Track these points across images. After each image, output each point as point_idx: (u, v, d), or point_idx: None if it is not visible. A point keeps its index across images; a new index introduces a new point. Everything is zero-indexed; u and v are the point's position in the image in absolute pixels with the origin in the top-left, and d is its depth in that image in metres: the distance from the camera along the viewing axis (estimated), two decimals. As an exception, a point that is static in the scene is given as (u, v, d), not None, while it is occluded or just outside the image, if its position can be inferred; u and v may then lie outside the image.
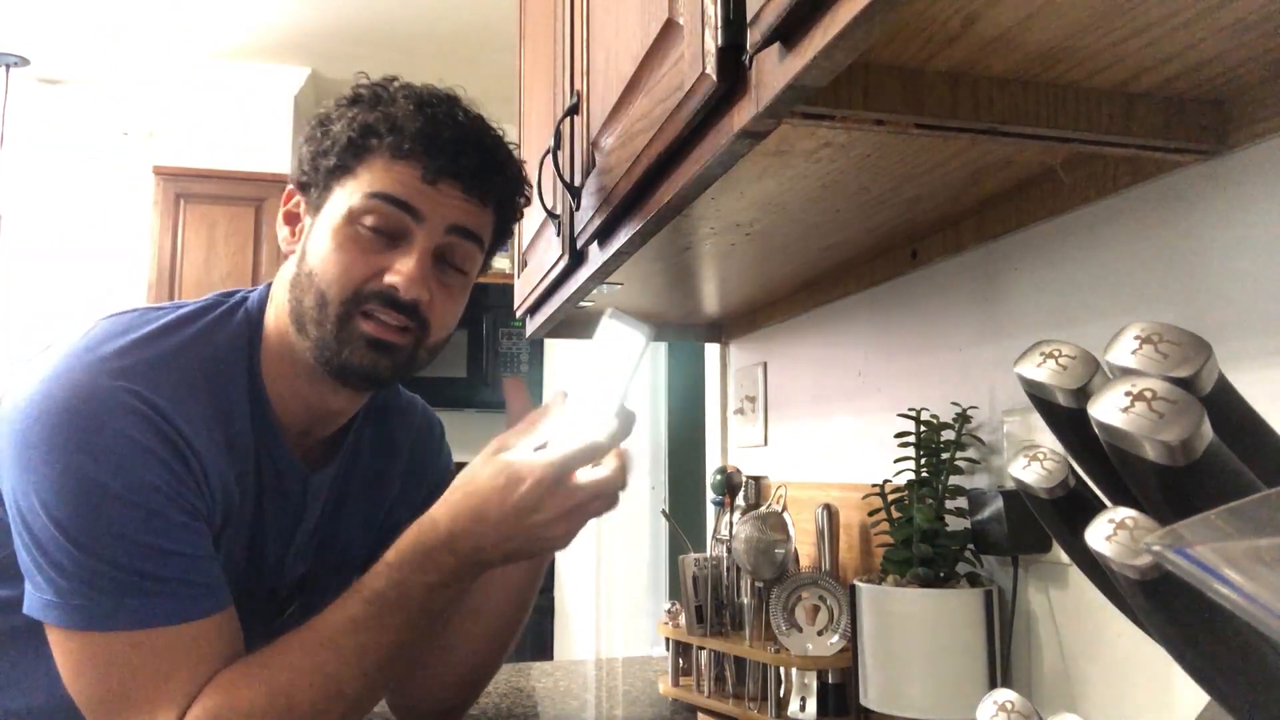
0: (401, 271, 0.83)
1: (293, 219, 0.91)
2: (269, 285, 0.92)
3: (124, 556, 0.74)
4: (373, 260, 0.83)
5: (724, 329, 1.75)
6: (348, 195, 0.84)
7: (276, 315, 0.88)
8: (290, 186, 0.91)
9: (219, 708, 0.74)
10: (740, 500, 1.37)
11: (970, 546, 0.96)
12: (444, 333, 0.89)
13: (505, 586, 1.01)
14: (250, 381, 0.87)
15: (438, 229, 0.85)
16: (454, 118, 0.86)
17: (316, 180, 0.87)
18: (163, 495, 0.76)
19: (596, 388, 0.78)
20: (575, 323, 1.58)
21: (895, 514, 1.00)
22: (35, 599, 0.75)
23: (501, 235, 0.94)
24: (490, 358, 3.49)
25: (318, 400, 0.90)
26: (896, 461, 1.01)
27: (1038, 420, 0.47)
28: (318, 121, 0.88)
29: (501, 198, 0.90)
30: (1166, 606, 0.39)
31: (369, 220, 0.83)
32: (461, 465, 0.88)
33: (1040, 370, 0.45)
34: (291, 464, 0.90)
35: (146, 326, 0.83)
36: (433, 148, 0.83)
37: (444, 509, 0.78)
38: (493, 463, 0.77)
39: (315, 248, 0.85)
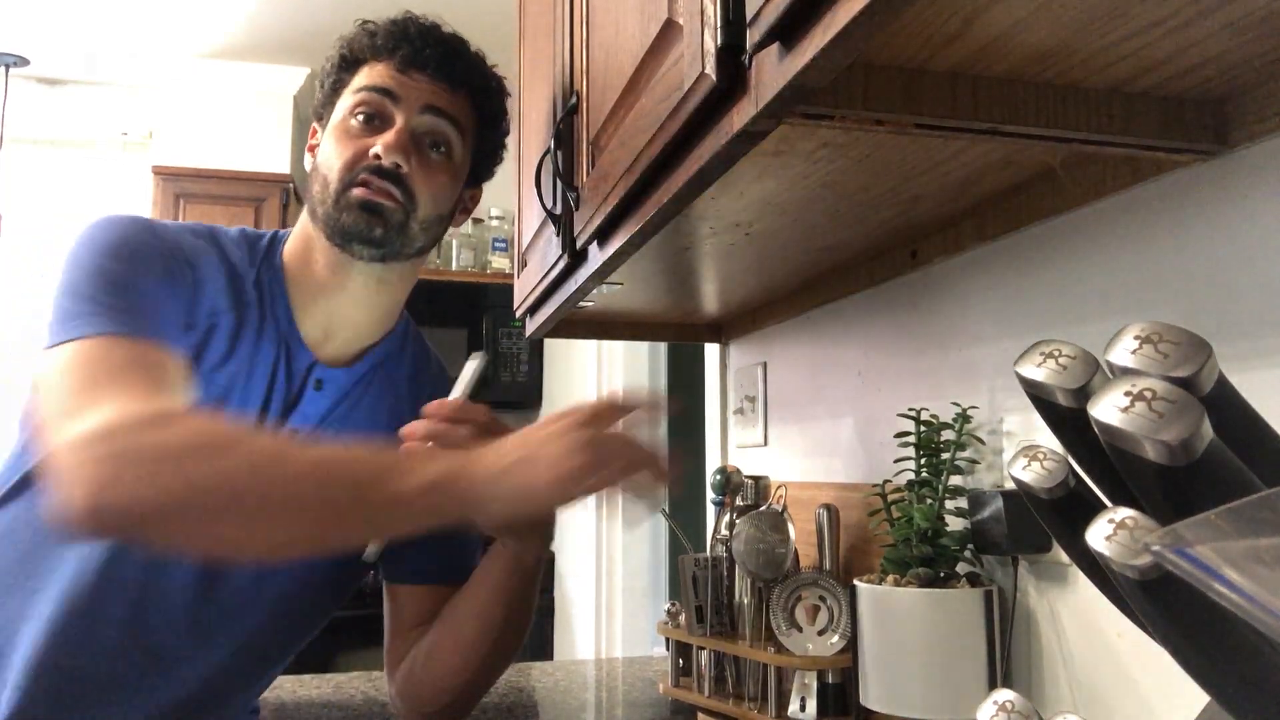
0: (383, 143, 0.96)
1: (314, 149, 1.04)
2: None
3: (104, 288, 0.86)
4: (362, 142, 0.97)
5: (724, 329, 1.75)
6: (343, 100, 1.00)
7: (300, 221, 1.03)
8: (313, 125, 1.05)
9: (146, 414, 0.75)
10: (740, 500, 1.37)
11: (970, 546, 0.96)
12: (433, 208, 1.00)
13: (494, 587, 1.01)
14: (269, 260, 1.01)
15: (413, 108, 0.98)
16: (421, 23, 1.01)
17: (324, 104, 1.03)
18: (152, 268, 0.90)
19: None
20: (575, 322, 1.58)
21: (895, 514, 1.00)
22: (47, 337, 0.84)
23: (485, 130, 1.05)
24: (490, 357, 3.49)
25: (338, 283, 1.00)
26: (896, 461, 1.01)
27: (1038, 420, 0.47)
28: (325, 59, 1.04)
29: (474, 85, 1.02)
30: (1166, 606, 0.39)
31: (358, 111, 0.98)
32: None
33: (1040, 370, 0.45)
34: (304, 351, 1.00)
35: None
36: (402, 44, 0.99)
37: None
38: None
39: (323, 149, 1.00)
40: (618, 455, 0.76)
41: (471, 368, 1.01)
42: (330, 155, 0.98)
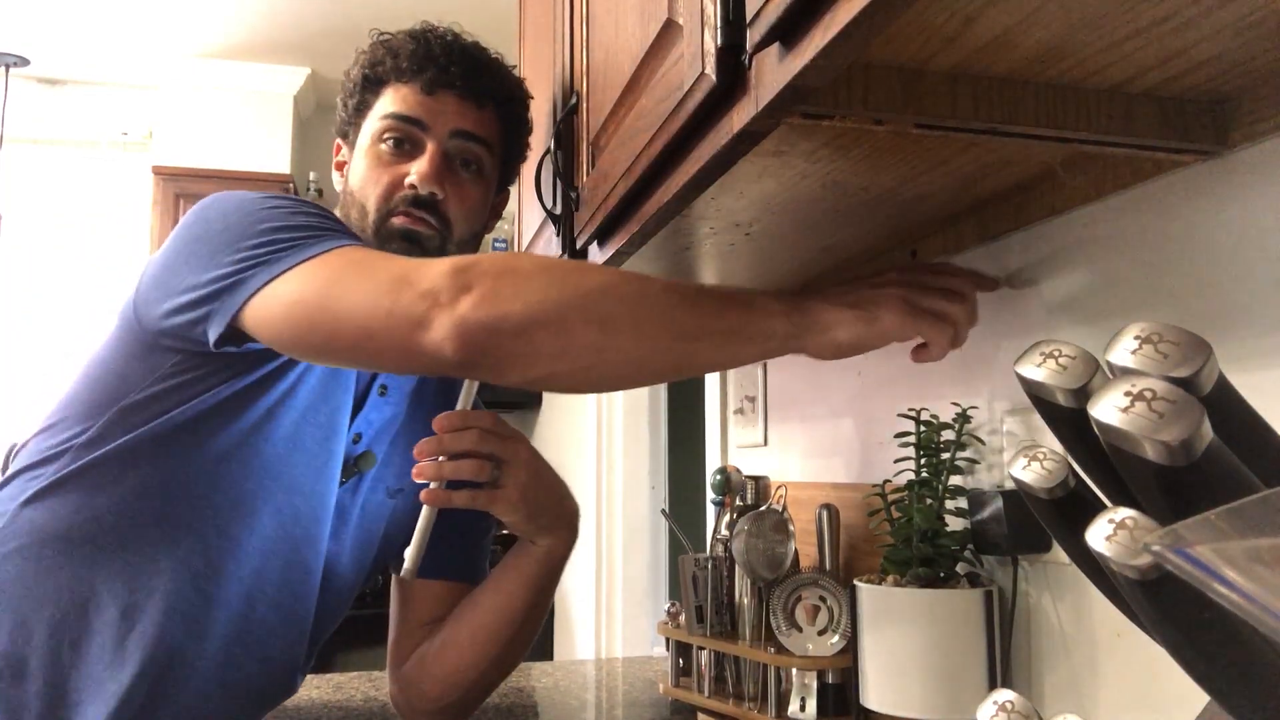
0: (417, 173, 0.96)
1: (341, 165, 1.06)
2: None
3: (304, 219, 0.86)
4: (396, 170, 0.98)
5: (724, 329, 1.75)
6: (370, 123, 1.00)
7: None
8: (338, 141, 1.07)
9: (485, 256, 0.77)
10: (740, 500, 1.37)
11: (970, 546, 0.96)
12: (467, 228, 1.01)
13: (521, 579, 1.03)
14: None
15: (443, 134, 0.98)
16: (443, 39, 1.01)
17: (349, 122, 1.04)
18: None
19: None
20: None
21: (895, 514, 1.00)
22: (250, 282, 0.81)
23: (512, 139, 1.07)
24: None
25: None
26: (896, 461, 1.01)
27: (1038, 420, 0.47)
28: (345, 75, 1.04)
29: (499, 99, 1.03)
30: (1166, 606, 0.39)
31: (387, 137, 0.98)
32: None
33: (1040, 370, 0.45)
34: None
35: None
36: (427, 65, 0.98)
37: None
38: None
39: (354, 171, 1.01)
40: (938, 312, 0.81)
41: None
42: (365, 182, 0.98)
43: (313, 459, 0.97)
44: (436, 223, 0.97)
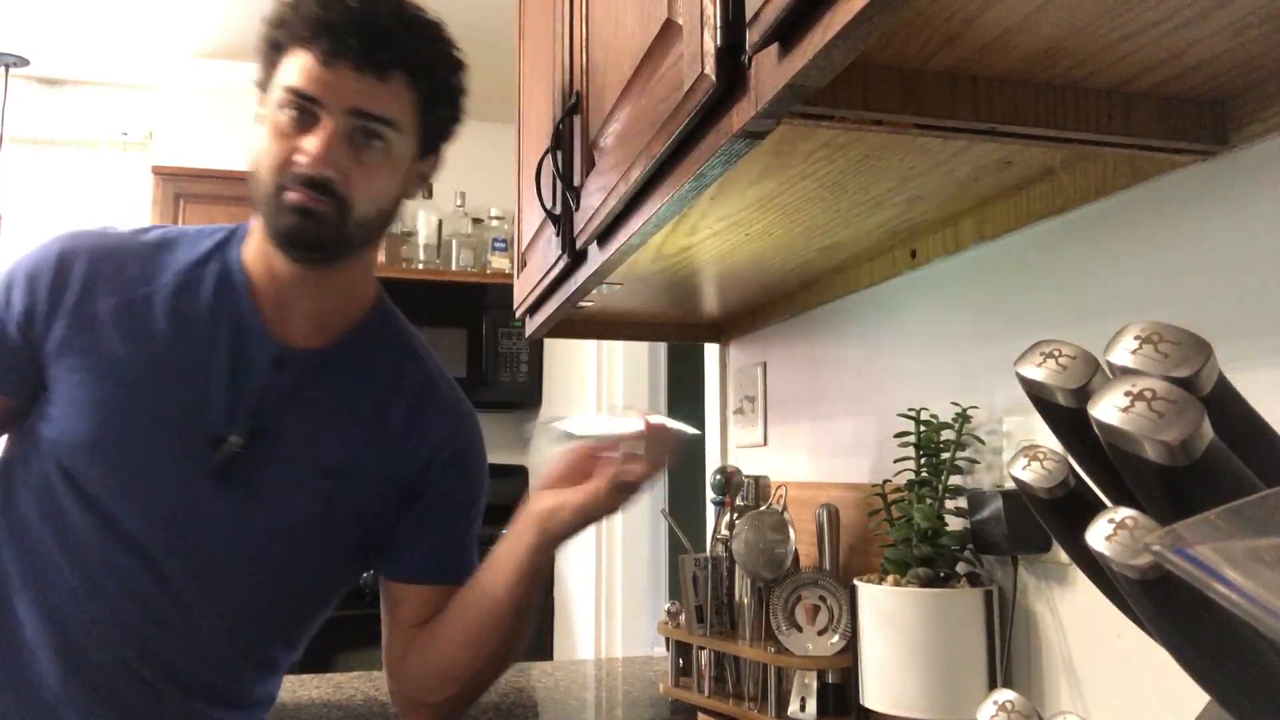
0: (308, 152, 0.91)
1: (262, 119, 1.00)
2: None
3: None
4: (290, 144, 0.93)
5: (724, 329, 1.75)
6: (273, 89, 0.94)
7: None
8: (260, 92, 1.01)
9: None
10: (740, 500, 1.37)
11: (970, 546, 0.96)
12: (371, 207, 0.96)
13: (517, 568, 1.01)
14: (222, 251, 1.02)
15: (338, 111, 0.92)
16: (346, 2, 0.92)
17: (263, 74, 0.97)
18: None
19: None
20: (574, 322, 1.58)
21: (895, 514, 1.00)
22: None
23: (430, 109, 0.98)
24: (490, 357, 3.49)
25: (280, 269, 0.99)
26: (896, 461, 1.01)
27: (1038, 420, 0.47)
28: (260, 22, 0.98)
29: (410, 69, 0.94)
30: (1166, 606, 0.39)
31: (285, 110, 0.93)
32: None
33: (1040, 370, 0.45)
34: (259, 326, 1.00)
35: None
36: (322, 33, 0.90)
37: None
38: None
39: (258, 138, 0.96)
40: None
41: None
42: (262, 150, 0.94)
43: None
44: (331, 201, 0.92)
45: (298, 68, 0.92)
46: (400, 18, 0.94)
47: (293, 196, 0.92)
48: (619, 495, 0.91)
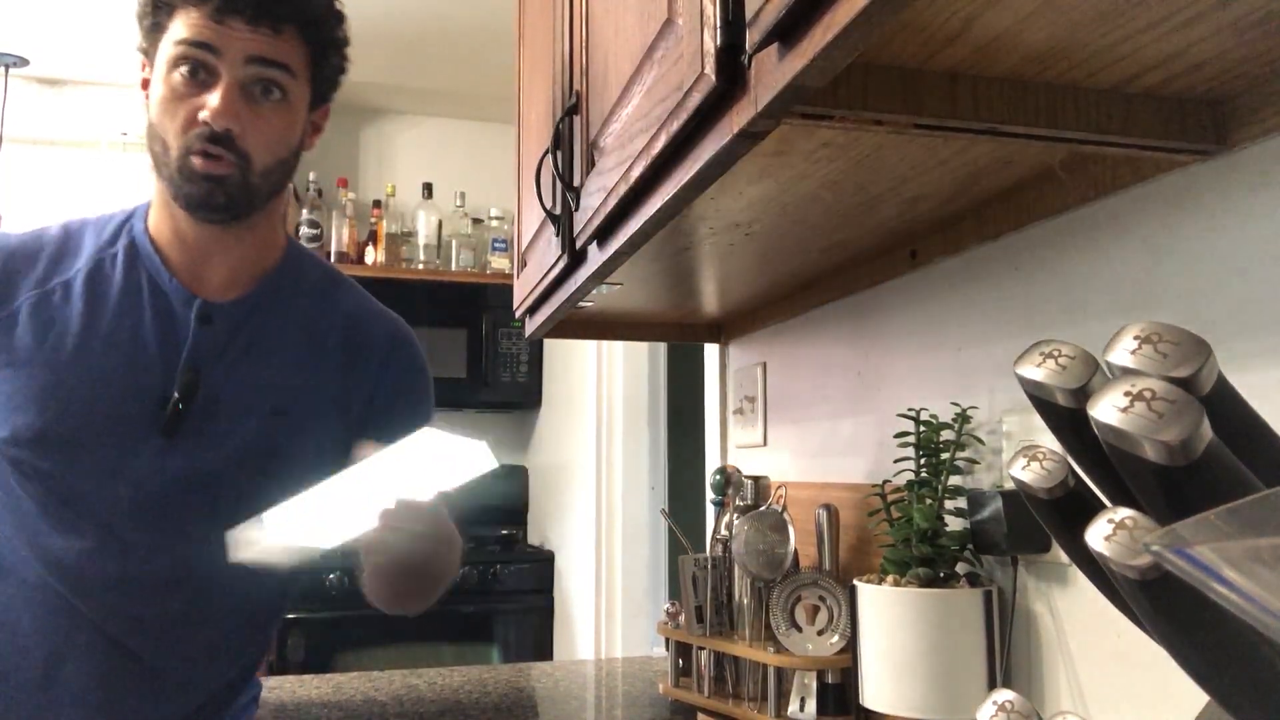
0: (210, 106, 0.94)
1: (145, 84, 1.02)
2: None
3: None
4: (192, 103, 0.95)
5: (724, 329, 1.75)
6: (164, 49, 0.96)
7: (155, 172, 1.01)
8: (143, 59, 1.02)
9: None
10: (740, 500, 1.37)
11: (970, 546, 0.96)
12: (270, 157, 0.99)
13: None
14: (129, 227, 1.04)
15: (236, 61, 0.95)
16: None
17: (147, 43, 0.99)
18: None
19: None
20: (574, 322, 1.58)
21: (895, 514, 1.00)
22: None
23: (322, 59, 1.03)
24: (489, 358, 3.49)
25: (190, 232, 1.03)
26: (896, 461, 1.01)
27: (1038, 420, 0.47)
28: None
29: (301, 23, 0.98)
30: (1166, 606, 0.39)
31: (181, 67, 0.95)
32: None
33: (1040, 370, 0.45)
34: (180, 290, 1.03)
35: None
36: None
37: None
38: None
39: (153, 101, 0.98)
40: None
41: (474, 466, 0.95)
42: (163, 115, 0.96)
43: None
44: (235, 159, 0.96)
45: (191, 23, 0.94)
46: None
47: (199, 163, 0.95)
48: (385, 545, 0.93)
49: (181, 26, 0.95)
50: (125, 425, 0.99)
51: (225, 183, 0.96)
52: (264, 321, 1.07)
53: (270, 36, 0.96)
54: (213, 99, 0.94)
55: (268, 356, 1.06)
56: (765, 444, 1.61)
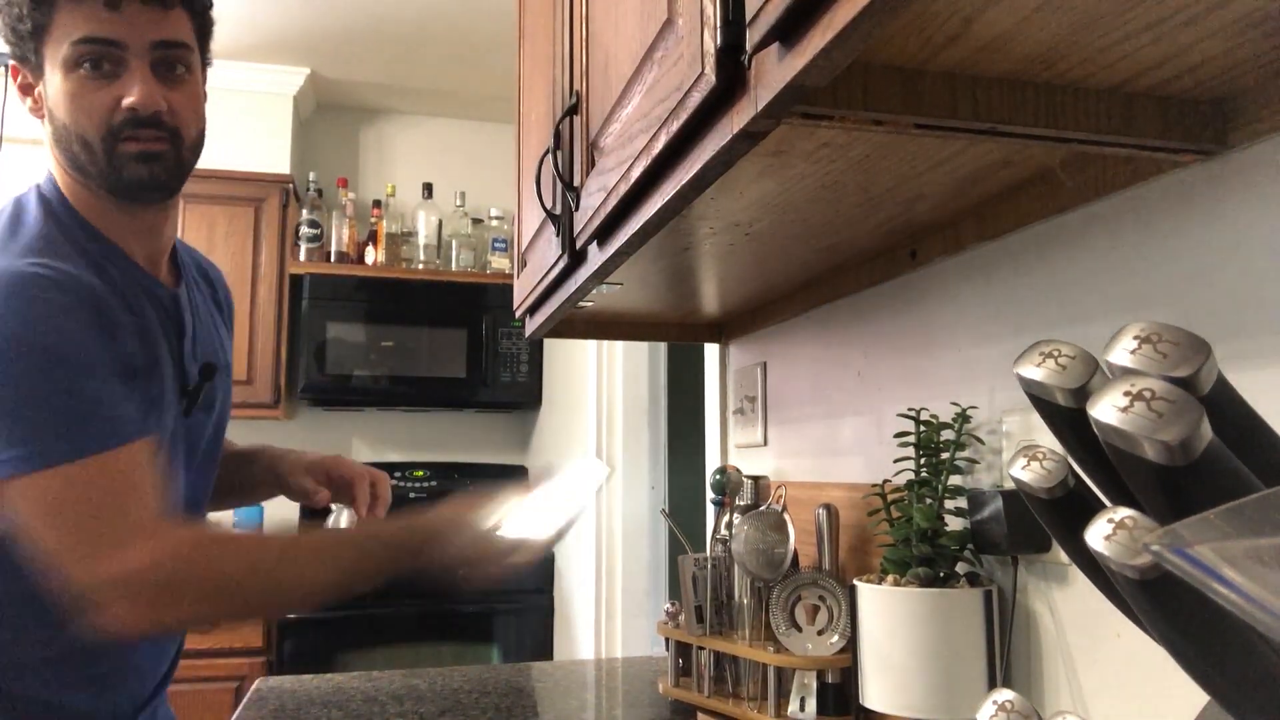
0: (132, 93, 0.95)
1: (27, 89, 1.02)
2: (48, 172, 1.04)
3: (54, 399, 0.86)
4: (106, 93, 0.95)
5: (724, 329, 1.75)
6: (57, 49, 0.95)
7: (64, 175, 1.01)
8: (11, 63, 1.01)
9: (186, 540, 0.90)
10: (740, 500, 1.37)
11: (970, 546, 0.96)
12: (195, 130, 1.03)
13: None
14: (89, 235, 1.00)
15: (144, 47, 0.96)
16: None
17: (26, 48, 0.98)
18: (81, 347, 0.89)
19: (557, 501, 1.05)
20: (574, 322, 1.58)
21: (895, 514, 1.00)
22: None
23: (203, 28, 1.07)
24: (489, 358, 3.49)
25: (135, 223, 1.03)
26: (896, 461, 1.01)
27: (1038, 420, 0.47)
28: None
29: (186, 0, 1.01)
30: (1166, 606, 0.39)
31: (85, 64, 0.94)
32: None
33: (1040, 370, 0.45)
34: (160, 285, 1.06)
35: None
36: None
37: (441, 514, 1.00)
38: (488, 510, 1.00)
39: (58, 103, 0.97)
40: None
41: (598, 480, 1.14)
42: (75, 111, 0.96)
43: None
44: (166, 136, 0.98)
45: (84, 17, 0.94)
46: None
47: (132, 146, 0.96)
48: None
49: (74, 23, 0.94)
50: (170, 420, 1.05)
51: (163, 159, 0.98)
52: (201, 302, 1.15)
53: (164, 15, 0.98)
54: (131, 87, 0.95)
55: (212, 329, 1.16)
56: (765, 444, 1.61)
